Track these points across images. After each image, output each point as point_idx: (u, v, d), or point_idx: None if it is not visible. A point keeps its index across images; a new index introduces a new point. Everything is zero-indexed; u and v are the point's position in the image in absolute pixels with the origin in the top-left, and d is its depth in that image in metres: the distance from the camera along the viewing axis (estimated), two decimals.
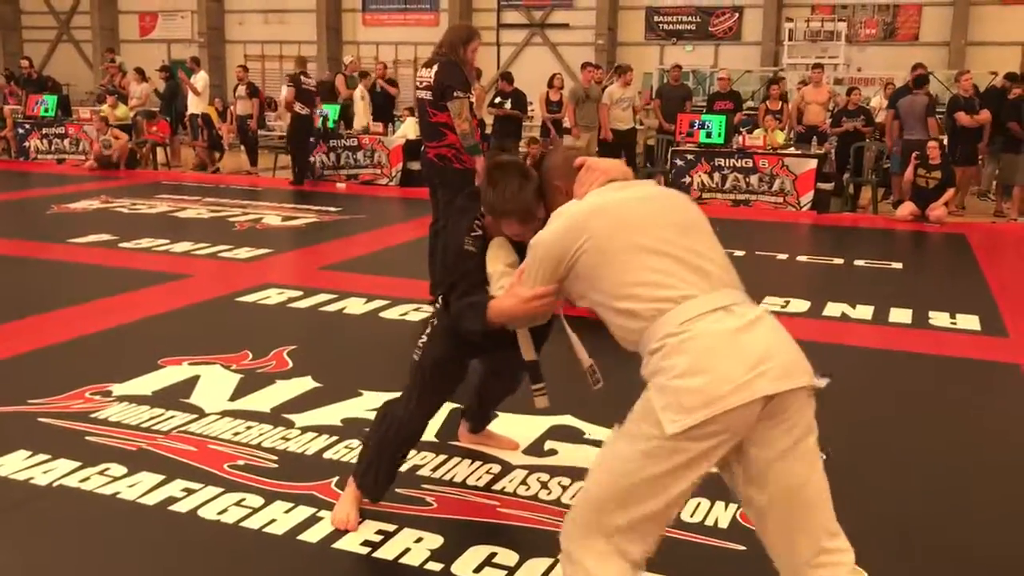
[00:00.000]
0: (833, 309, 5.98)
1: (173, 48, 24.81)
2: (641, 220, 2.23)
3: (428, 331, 3.06)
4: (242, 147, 14.02)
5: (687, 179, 11.07)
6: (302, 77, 11.94)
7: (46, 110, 14.15)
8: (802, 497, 2.16)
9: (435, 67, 5.55)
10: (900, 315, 5.86)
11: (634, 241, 2.18)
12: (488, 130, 12.24)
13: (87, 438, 3.68)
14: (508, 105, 12.19)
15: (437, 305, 3.07)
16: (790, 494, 2.14)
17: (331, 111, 12.76)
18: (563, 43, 21.79)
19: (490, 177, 2.67)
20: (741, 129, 11.71)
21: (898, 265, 7.58)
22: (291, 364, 4.63)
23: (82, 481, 3.30)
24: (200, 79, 14.09)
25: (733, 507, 3.18)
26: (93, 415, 3.91)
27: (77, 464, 3.43)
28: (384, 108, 13.69)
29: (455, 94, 5.46)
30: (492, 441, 3.69)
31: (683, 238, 2.21)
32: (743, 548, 2.93)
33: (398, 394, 3.09)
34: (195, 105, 13.81)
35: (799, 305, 6.07)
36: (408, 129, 12.63)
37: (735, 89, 13.36)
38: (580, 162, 2.44)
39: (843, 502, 3.16)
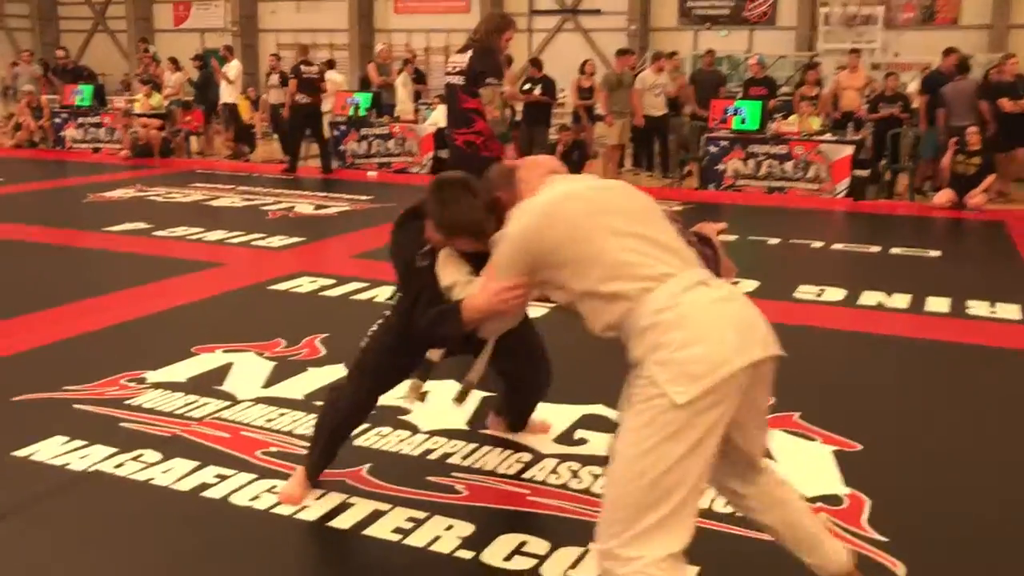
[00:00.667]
0: (869, 298, 5.90)
1: (207, 37, 24.95)
2: (609, 204, 2.29)
3: (380, 322, 3.14)
4: (275, 136, 14.10)
5: (721, 166, 10.97)
6: (302, 67, 11.88)
7: (82, 99, 14.32)
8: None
9: (469, 53, 5.53)
10: (937, 304, 5.77)
11: (609, 224, 2.23)
12: (518, 116, 12.22)
13: (122, 424, 3.72)
14: (537, 91, 12.12)
15: (391, 299, 3.10)
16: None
17: (362, 99, 12.79)
18: (595, 29, 21.64)
19: (438, 195, 2.69)
20: (775, 115, 11.58)
21: (936, 253, 7.47)
22: (323, 352, 4.64)
23: (117, 467, 3.34)
24: (233, 68, 14.16)
25: None
26: (128, 401, 3.95)
27: (112, 450, 3.47)
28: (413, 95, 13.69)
29: (488, 80, 5.44)
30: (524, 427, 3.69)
31: (648, 222, 2.30)
32: (774, 539, 2.90)
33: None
34: (228, 94, 13.89)
35: (834, 294, 5.99)
36: (439, 117, 12.60)
37: (769, 75, 13.20)
38: (514, 164, 2.47)
39: (880, 497, 3.14)
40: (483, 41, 5.56)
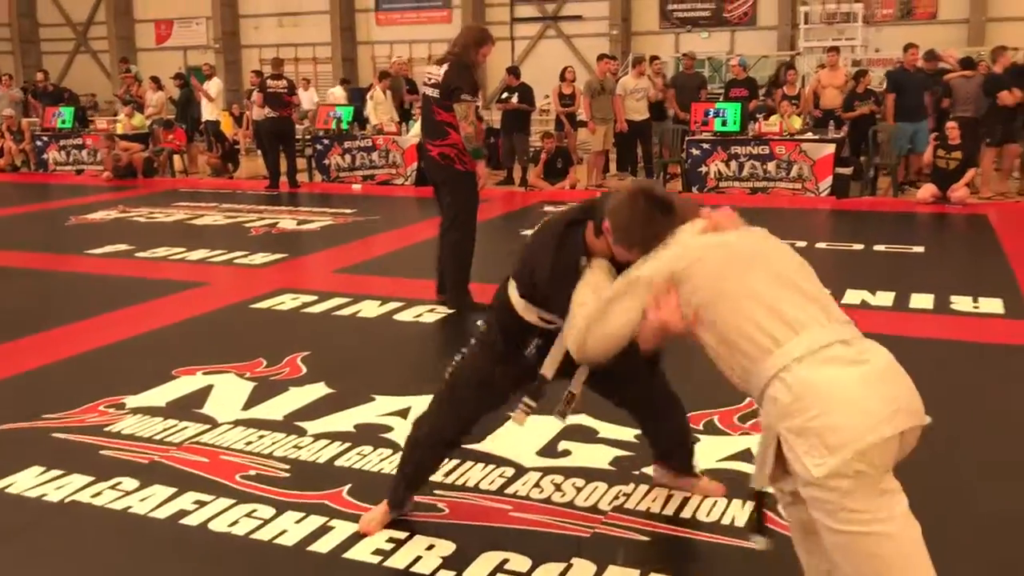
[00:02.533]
0: (852, 296, 5.89)
1: (189, 55, 24.91)
2: (755, 254, 2.28)
3: (470, 345, 3.00)
4: (259, 152, 14.05)
5: (703, 168, 10.97)
6: (268, 80, 11.80)
7: (63, 122, 14.25)
8: None
9: (445, 66, 5.51)
10: (921, 300, 5.76)
11: (752, 273, 2.21)
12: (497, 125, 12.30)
13: (100, 452, 3.68)
14: (515, 99, 12.15)
15: (480, 324, 3.01)
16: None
17: (344, 113, 12.77)
18: (577, 35, 21.65)
19: (640, 205, 2.45)
20: (757, 116, 11.59)
21: (919, 249, 7.47)
22: (304, 370, 4.61)
23: (94, 496, 3.30)
24: (214, 85, 14.13)
25: (751, 505, 3.12)
26: (107, 428, 3.92)
27: (90, 479, 3.42)
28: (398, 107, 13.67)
29: (463, 96, 5.42)
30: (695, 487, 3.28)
31: (800, 273, 2.26)
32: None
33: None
34: (209, 112, 13.85)
35: None
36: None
37: (751, 76, 13.22)
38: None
39: None
40: (460, 55, 5.54)
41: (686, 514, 3.08)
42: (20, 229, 9.70)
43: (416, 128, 12.67)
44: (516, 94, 12.25)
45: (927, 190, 9.77)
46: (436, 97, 5.52)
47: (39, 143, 14.41)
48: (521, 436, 3.72)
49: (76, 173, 13.98)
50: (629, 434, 3.72)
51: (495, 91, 13.07)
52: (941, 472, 3.42)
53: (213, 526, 3.08)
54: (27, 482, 3.42)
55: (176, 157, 14.10)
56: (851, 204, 10.08)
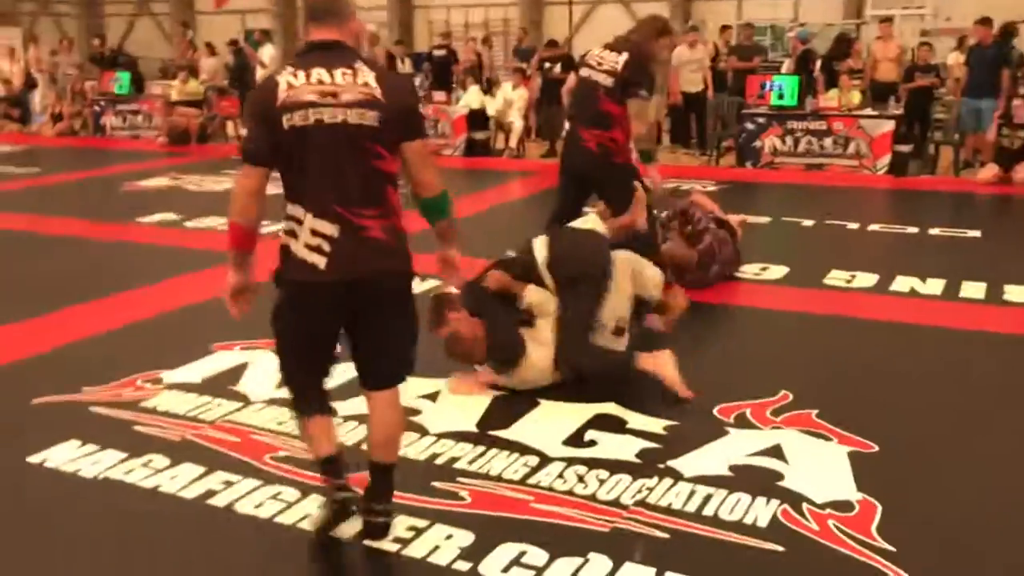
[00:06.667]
0: (902, 284, 5.74)
1: (247, 19, 25.05)
2: None
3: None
4: None
5: (758, 143, 10.76)
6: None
7: (120, 87, 14.47)
8: None
9: (624, 56, 5.08)
10: (973, 289, 5.59)
11: None
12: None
13: (135, 428, 3.76)
14: (558, 69, 12.10)
15: None
16: None
17: None
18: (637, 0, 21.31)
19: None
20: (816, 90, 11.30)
21: (976, 233, 7.24)
22: (339, 349, 4.62)
23: (126, 473, 3.37)
24: (267, 52, 14.20)
25: (775, 503, 3.08)
26: (142, 403, 3.99)
27: (123, 455, 3.50)
28: (442, 76, 13.65)
29: (641, 93, 5.05)
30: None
31: None
32: (781, 548, 2.84)
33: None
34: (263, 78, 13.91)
35: (865, 280, 5.84)
36: (471, 99, 12.55)
37: (809, 48, 12.88)
38: None
39: (892, 504, 3.05)
40: (640, 45, 5.15)
41: (708, 511, 3.05)
42: (75, 195, 9.90)
43: (465, 99, 12.64)
44: (560, 63, 12.18)
45: (989, 170, 9.46)
46: (608, 87, 5.04)
47: (96, 108, 14.66)
48: (548, 424, 3.73)
49: (132, 138, 14.20)
50: (658, 425, 3.69)
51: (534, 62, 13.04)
52: (976, 477, 3.33)
53: (240, 507, 3.12)
54: (65, 455, 3.51)
55: (229, 124, 14.24)
56: (909, 183, 9.81)
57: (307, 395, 2.93)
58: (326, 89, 2.65)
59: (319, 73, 2.67)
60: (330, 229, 2.66)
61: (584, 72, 5.21)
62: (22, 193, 9.90)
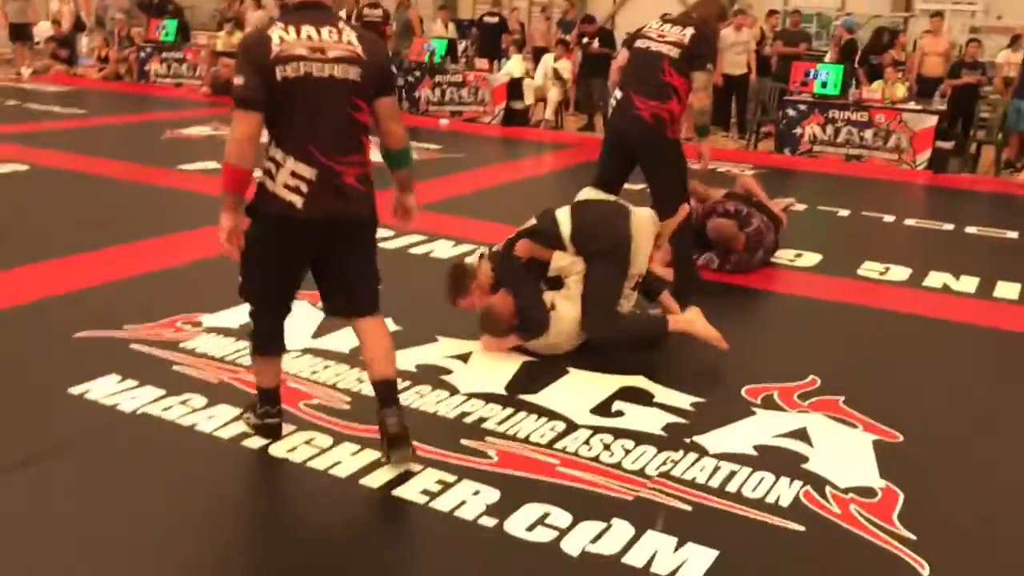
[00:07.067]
0: (935, 279, 5.74)
1: None
2: None
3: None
4: None
5: (798, 130, 10.70)
6: (366, 9, 12.09)
7: (166, 35, 14.55)
8: None
9: (690, 29, 5.08)
10: (1007, 290, 5.58)
11: None
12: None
13: (174, 367, 3.85)
14: (596, 44, 12.12)
15: None
16: None
17: (439, 46, 12.76)
18: None
19: None
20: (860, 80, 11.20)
21: (1013, 234, 7.19)
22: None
23: (164, 410, 3.46)
24: None
25: (798, 485, 3.13)
26: (182, 344, 4.08)
27: (161, 392, 3.59)
28: (491, 43, 13.62)
29: (708, 66, 5.08)
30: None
31: None
32: (802, 529, 2.88)
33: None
34: None
35: (899, 273, 5.84)
36: (513, 67, 12.54)
37: (853, 37, 12.73)
38: None
39: (914, 493, 3.08)
40: (707, 21, 5.17)
41: (731, 487, 3.10)
42: (118, 139, 10.02)
43: (507, 67, 12.63)
44: (597, 38, 12.19)
45: None
46: (674, 57, 5.00)
47: (142, 54, 14.76)
48: (577, 392, 3.78)
49: (175, 86, 14.30)
50: (685, 401, 3.73)
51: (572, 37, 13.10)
52: (999, 472, 3.36)
53: (273, 451, 3.21)
54: (105, 389, 3.60)
55: None
56: (948, 181, 9.73)
57: (269, 335, 3.21)
58: (315, 45, 2.91)
59: (308, 30, 2.92)
60: (309, 172, 2.92)
61: (642, 44, 5.17)
62: (68, 133, 10.02)
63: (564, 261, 4.18)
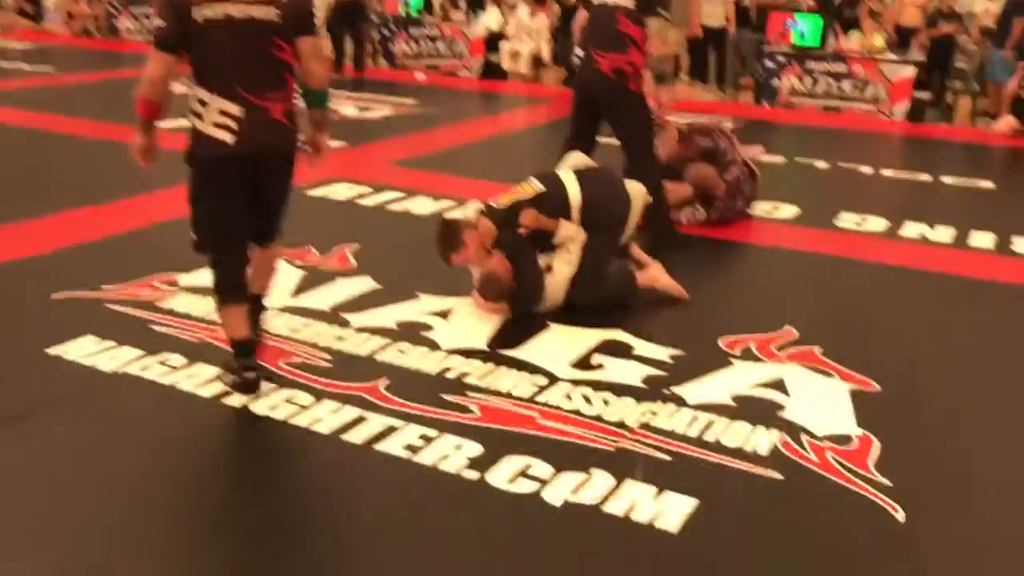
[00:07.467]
0: (911, 230, 5.78)
1: None
2: None
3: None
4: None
5: (776, 82, 10.67)
6: None
7: None
8: None
9: None
10: (982, 239, 5.63)
11: None
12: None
13: (152, 327, 3.83)
14: None
15: None
16: None
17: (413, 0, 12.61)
18: None
19: None
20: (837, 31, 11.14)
21: (989, 184, 7.23)
22: (353, 263, 4.70)
23: (143, 370, 3.45)
24: None
25: (776, 433, 3.17)
26: (159, 304, 4.06)
27: (140, 352, 3.58)
28: None
29: (661, 12, 5.03)
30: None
31: None
32: (780, 476, 2.93)
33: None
34: None
35: (875, 224, 5.87)
36: (491, 20, 12.40)
37: None
38: None
39: (890, 441, 3.13)
40: None
41: (710, 437, 3.13)
42: (88, 97, 9.85)
43: (485, 19, 12.48)
44: None
45: (1006, 122, 9.40)
46: (628, 8, 4.97)
47: (111, 9, 14.47)
48: (557, 347, 3.80)
49: (147, 42, 14.02)
50: (664, 353, 3.76)
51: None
52: (973, 419, 3.42)
53: (254, 408, 3.21)
54: (82, 349, 3.59)
55: None
56: (925, 131, 9.76)
57: (231, 283, 3.32)
58: None
59: None
60: (236, 110, 3.08)
61: (598, 0, 5.17)
62: (36, 91, 9.85)
63: (570, 231, 4.19)
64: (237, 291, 3.31)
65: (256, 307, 3.44)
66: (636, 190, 4.46)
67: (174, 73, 3.12)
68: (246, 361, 3.28)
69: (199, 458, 3.00)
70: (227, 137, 3.09)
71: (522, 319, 4.04)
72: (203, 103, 3.09)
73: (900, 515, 2.74)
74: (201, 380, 3.38)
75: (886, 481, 2.91)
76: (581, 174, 4.39)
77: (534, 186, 4.29)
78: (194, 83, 3.12)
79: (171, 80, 3.14)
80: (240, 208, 3.25)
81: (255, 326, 3.40)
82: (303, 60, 3.23)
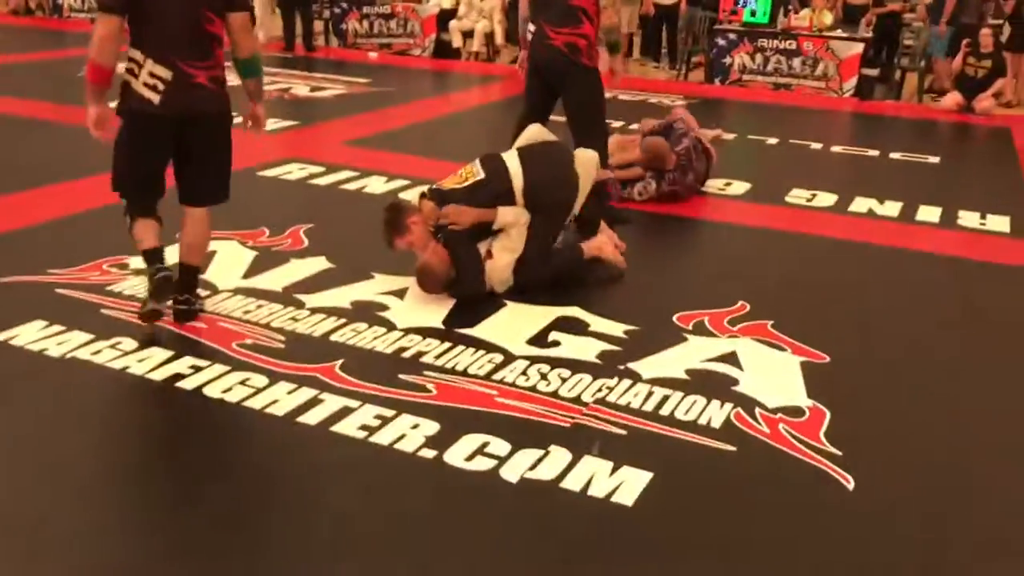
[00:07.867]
0: (860, 204, 5.87)
1: None
2: None
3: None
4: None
5: (728, 60, 10.74)
6: None
7: None
8: None
9: None
10: (929, 213, 5.74)
11: None
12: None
13: (102, 311, 3.77)
14: None
15: None
16: None
17: None
18: None
19: None
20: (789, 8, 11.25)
21: (935, 159, 7.37)
22: (306, 243, 4.66)
23: (94, 354, 3.40)
24: None
25: (729, 406, 3.21)
26: (109, 288, 4.00)
27: (90, 336, 3.52)
28: None
29: None
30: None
31: None
32: (733, 449, 2.97)
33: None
34: None
35: (825, 199, 5.95)
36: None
37: None
38: None
39: (841, 411, 3.19)
40: None
41: (664, 411, 3.17)
42: (32, 77, 9.61)
43: None
44: None
45: (951, 98, 9.57)
46: None
47: None
48: (513, 324, 3.81)
49: (91, 21, 13.72)
50: (619, 329, 3.79)
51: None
52: (923, 388, 3.49)
53: (208, 391, 3.18)
54: (30, 335, 3.52)
55: None
56: (873, 108, 9.91)
57: (137, 204, 3.60)
58: None
59: None
60: (165, 73, 3.36)
61: None
62: None
63: (510, 216, 4.14)
64: (146, 212, 3.58)
65: (190, 279, 3.67)
66: (588, 157, 4.45)
67: (120, 36, 3.32)
68: (157, 265, 3.52)
69: (151, 442, 2.96)
70: (154, 97, 3.36)
71: (478, 298, 4.04)
72: (138, 64, 3.36)
73: (851, 484, 2.80)
74: (153, 364, 3.33)
75: (837, 451, 2.97)
76: (526, 156, 4.32)
77: (475, 173, 4.24)
78: (130, 44, 3.39)
79: (118, 42, 3.33)
80: (158, 161, 3.54)
81: (192, 298, 3.69)
82: (233, 33, 3.50)
